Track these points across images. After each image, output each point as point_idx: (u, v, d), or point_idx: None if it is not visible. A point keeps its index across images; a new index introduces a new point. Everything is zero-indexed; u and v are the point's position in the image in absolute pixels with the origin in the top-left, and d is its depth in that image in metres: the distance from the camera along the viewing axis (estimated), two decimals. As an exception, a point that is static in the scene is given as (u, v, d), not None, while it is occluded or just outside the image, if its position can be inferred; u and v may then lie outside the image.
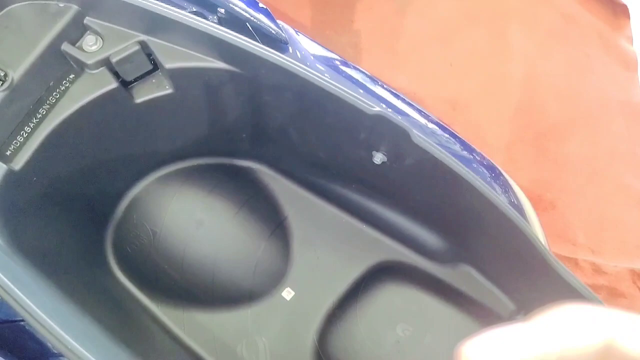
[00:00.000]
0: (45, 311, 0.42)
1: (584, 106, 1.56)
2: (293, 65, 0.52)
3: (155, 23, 0.54)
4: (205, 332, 0.72)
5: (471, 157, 0.95)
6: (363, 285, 0.76)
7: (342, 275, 0.75)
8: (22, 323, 0.53)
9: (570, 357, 0.21)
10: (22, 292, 0.42)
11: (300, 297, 0.75)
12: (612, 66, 1.61)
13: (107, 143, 0.62)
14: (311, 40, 0.91)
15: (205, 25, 0.52)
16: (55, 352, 0.53)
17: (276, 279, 0.75)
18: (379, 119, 0.54)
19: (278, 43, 0.64)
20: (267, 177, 0.79)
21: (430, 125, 0.99)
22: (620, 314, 0.22)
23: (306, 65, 0.54)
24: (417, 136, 0.54)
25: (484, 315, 0.75)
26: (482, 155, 0.97)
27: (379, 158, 0.63)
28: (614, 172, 1.50)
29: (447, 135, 0.96)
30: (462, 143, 0.97)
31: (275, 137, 0.70)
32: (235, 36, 0.53)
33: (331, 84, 0.52)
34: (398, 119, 0.54)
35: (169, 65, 0.55)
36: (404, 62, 1.57)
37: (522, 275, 0.72)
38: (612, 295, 1.43)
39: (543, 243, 0.62)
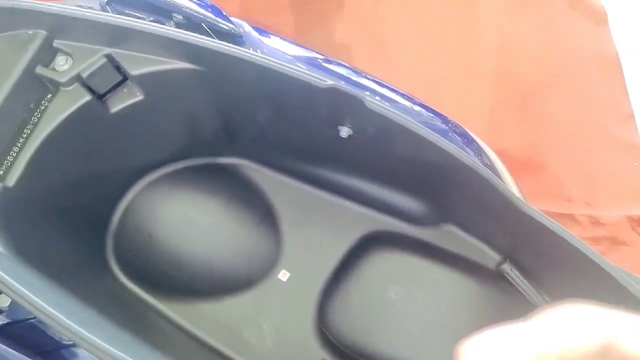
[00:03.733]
0: (52, 305, 0.47)
1: (559, 65, 1.59)
2: (247, 54, 0.57)
3: (118, 35, 0.58)
4: (211, 321, 0.76)
5: (445, 127, 0.99)
6: (353, 257, 0.80)
7: (332, 251, 0.79)
8: (34, 320, 0.57)
9: (570, 357, 0.21)
10: (30, 292, 0.47)
11: (296, 277, 0.79)
12: (581, 22, 1.64)
13: (92, 154, 0.67)
14: (290, 42, 0.96)
15: (165, 30, 0.57)
16: (67, 342, 0.57)
17: (271, 263, 0.79)
18: (334, 91, 0.58)
19: (233, 37, 0.68)
20: (250, 170, 0.83)
21: (417, 108, 1.03)
22: (620, 313, 0.22)
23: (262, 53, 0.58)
24: (371, 102, 0.59)
25: (471, 269, 0.79)
26: (455, 123, 1.01)
27: (345, 132, 0.67)
28: (598, 124, 1.53)
29: (432, 115, 1.00)
30: (441, 117, 1.01)
31: (249, 130, 0.74)
32: (192, 35, 0.57)
33: (284, 65, 0.57)
34: (351, 89, 0.58)
35: (134, 72, 0.60)
36: (382, 53, 1.61)
37: (501, 227, 0.75)
38: (613, 245, 1.45)
39: (517, 195, 0.65)
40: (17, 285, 0.47)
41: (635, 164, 1.51)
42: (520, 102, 1.56)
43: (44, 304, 0.47)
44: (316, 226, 0.81)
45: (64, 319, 0.47)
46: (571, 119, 1.53)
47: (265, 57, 0.57)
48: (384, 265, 0.79)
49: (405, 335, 0.75)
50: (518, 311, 0.76)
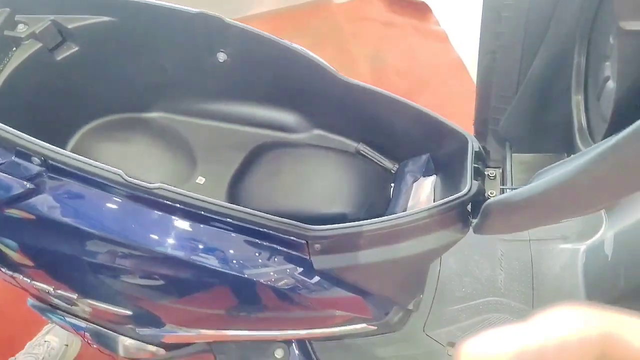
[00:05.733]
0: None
1: (421, 75, 2.04)
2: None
3: (58, 5, 0.91)
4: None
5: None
6: (248, 162, 1.07)
7: (233, 160, 1.07)
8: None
9: (568, 357, 0.21)
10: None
11: (209, 180, 1.05)
12: (430, 43, 2.13)
13: (42, 96, 0.94)
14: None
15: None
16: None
17: (190, 173, 1.06)
18: (201, 16, 0.91)
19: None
20: (167, 120, 1.12)
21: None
22: (618, 314, 0.22)
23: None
24: (229, 20, 0.92)
25: (338, 154, 1.08)
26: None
27: (221, 57, 1.00)
28: (459, 113, 1.94)
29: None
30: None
31: (160, 79, 1.05)
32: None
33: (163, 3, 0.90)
34: (213, 13, 0.92)
35: (70, 25, 0.92)
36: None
37: (351, 118, 1.07)
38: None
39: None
40: None
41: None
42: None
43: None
44: (219, 147, 1.09)
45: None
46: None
47: None
48: (273, 163, 1.06)
49: (296, 198, 1.01)
50: (372, 173, 1.05)
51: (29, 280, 0.87)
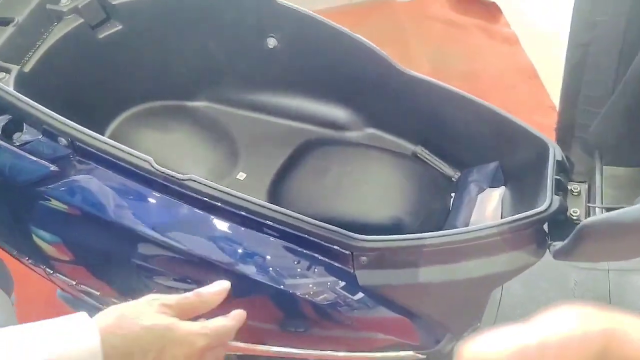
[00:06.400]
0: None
1: (485, 81, 1.88)
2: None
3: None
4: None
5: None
6: (294, 160, 0.97)
7: (276, 157, 0.98)
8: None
9: (570, 352, 0.21)
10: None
11: (250, 176, 0.96)
12: (498, 46, 1.98)
13: (82, 75, 0.89)
14: None
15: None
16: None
17: (231, 168, 0.98)
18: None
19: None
20: (211, 110, 1.05)
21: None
22: (618, 314, 0.22)
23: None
24: (282, 1, 0.83)
25: (392, 155, 0.96)
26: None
27: (271, 42, 0.91)
28: (529, 120, 1.77)
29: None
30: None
31: (205, 63, 0.98)
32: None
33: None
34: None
35: (115, 1, 0.86)
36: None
37: (412, 117, 0.95)
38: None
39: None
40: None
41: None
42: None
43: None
44: (263, 141, 1.01)
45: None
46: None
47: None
48: (319, 161, 0.96)
49: (343, 202, 0.90)
50: (430, 180, 0.94)
51: (51, 271, 0.82)
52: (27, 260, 0.84)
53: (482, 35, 2.02)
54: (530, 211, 0.68)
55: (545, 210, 0.67)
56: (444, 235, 0.66)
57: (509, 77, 1.89)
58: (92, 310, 1.00)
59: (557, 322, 0.22)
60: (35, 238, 0.77)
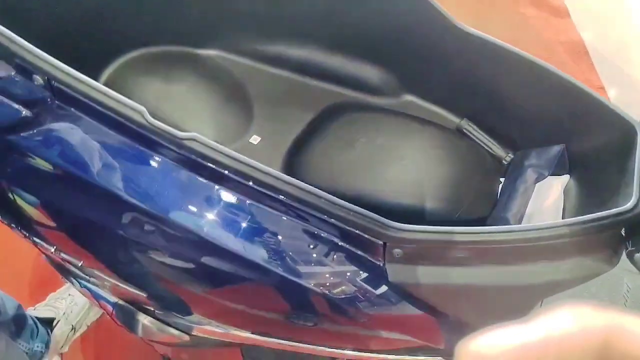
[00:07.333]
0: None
1: (536, 54, 1.71)
2: None
3: None
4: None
5: None
6: (318, 124, 0.84)
7: (297, 120, 0.84)
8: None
9: (569, 356, 0.21)
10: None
11: (265, 141, 0.83)
12: (546, 17, 1.79)
13: (77, 10, 0.75)
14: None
15: None
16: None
17: (244, 130, 0.84)
18: None
19: None
20: (222, 60, 0.91)
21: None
22: (620, 312, 0.22)
23: None
24: None
25: (431, 125, 0.82)
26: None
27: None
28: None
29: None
30: None
31: (221, 4, 0.83)
32: None
33: None
34: None
35: None
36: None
37: (460, 86, 0.81)
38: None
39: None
40: None
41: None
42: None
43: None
44: (283, 102, 0.87)
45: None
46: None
47: None
48: (346, 129, 0.83)
49: (371, 180, 0.77)
50: (476, 161, 0.80)
51: (27, 234, 0.70)
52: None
53: (529, 4, 1.83)
54: (611, 210, 0.54)
55: (630, 210, 0.54)
56: (503, 232, 0.53)
57: (556, 52, 1.71)
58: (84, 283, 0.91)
59: (558, 320, 0.21)
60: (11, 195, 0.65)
